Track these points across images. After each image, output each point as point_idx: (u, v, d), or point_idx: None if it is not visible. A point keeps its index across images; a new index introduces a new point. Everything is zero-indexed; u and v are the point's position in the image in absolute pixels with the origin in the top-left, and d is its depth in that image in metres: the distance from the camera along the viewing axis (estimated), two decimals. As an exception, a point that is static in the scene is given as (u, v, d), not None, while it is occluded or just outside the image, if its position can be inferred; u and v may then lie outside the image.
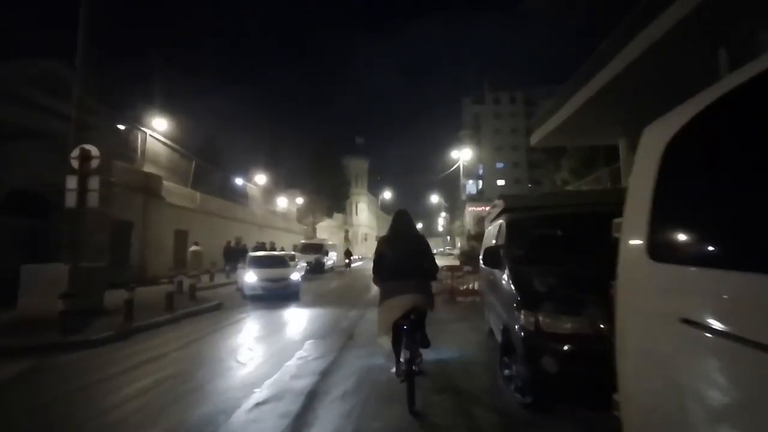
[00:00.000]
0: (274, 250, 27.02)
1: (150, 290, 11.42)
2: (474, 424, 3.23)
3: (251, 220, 27.92)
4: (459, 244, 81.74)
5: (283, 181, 40.92)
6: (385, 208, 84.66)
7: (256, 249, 22.69)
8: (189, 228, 19.53)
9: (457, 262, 27.15)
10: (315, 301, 11.17)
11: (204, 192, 22.17)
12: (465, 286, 10.92)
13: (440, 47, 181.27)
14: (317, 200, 42.24)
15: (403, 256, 3.68)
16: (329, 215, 47.76)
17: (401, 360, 3.59)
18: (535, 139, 21.70)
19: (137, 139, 16.98)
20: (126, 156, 15.83)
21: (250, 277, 11.01)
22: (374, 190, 68.18)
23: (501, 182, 71.39)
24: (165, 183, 17.48)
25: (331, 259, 27.76)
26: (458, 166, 43.52)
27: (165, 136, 19.59)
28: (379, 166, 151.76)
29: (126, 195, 14.45)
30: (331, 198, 43.40)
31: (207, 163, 25.00)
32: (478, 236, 20.37)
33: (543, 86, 72.33)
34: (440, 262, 22.46)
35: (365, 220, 64.92)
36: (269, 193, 34.68)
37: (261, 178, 30.64)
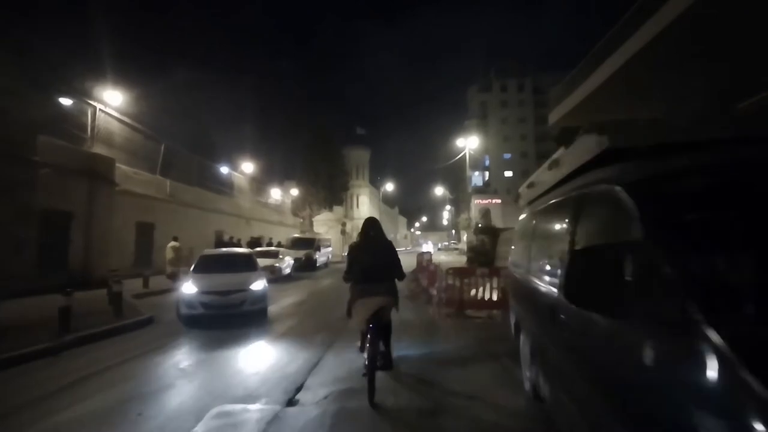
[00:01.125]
0: (271, 245, 24.67)
1: (85, 296, 8.68)
2: None
3: (237, 213, 25.38)
4: (465, 238, 79.34)
5: (277, 172, 38.39)
6: (387, 201, 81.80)
7: (251, 245, 20.43)
8: (156, 220, 16.98)
9: (463, 258, 24.52)
10: (276, 317, 8.40)
11: (179, 180, 19.61)
12: (478, 293, 8.22)
13: (445, 34, 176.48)
14: (314, 192, 39.58)
15: (373, 261, 3.94)
16: (329, 208, 44.95)
17: (364, 356, 3.85)
18: (555, 116, 18.84)
19: (87, 115, 14.35)
20: (68, 134, 13.22)
21: (187, 288, 7.55)
22: (376, 182, 65.32)
23: (508, 173, 68.38)
24: (121, 167, 14.89)
25: (325, 254, 25.20)
26: (464, 155, 40.86)
27: (128, 116, 16.97)
28: (382, 157, 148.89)
29: (62, 179, 11.87)
30: (329, 189, 40.70)
31: (185, 148, 22.43)
32: (488, 230, 17.65)
33: (553, 73, 68.79)
34: (445, 258, 19.96)
35: (367, 213, 62.17)
36: (260, 183, 32.08)
37: (249, 167, 27.96)
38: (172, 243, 14.22)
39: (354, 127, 63.03)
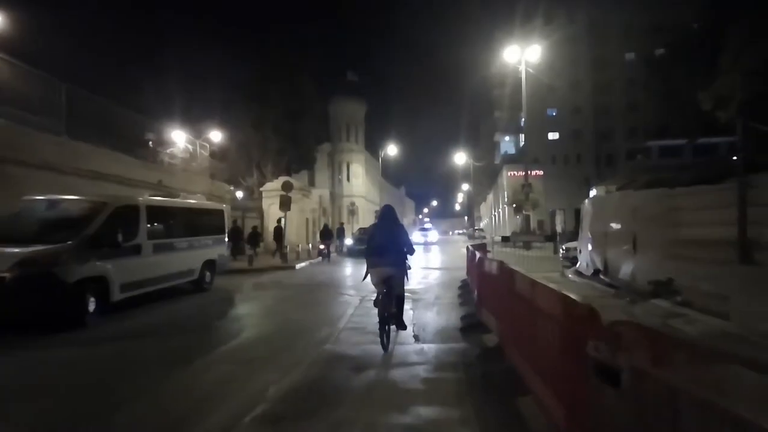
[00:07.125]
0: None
1: None
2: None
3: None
4: (485, 222, 61.39)
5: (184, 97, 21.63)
6: (391, 178, 64.58)
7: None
8: None
9: (529, 256, 9.15)
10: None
11: None
12: None
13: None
14: (261, 141, 22.96)
15: (385, 240, 5.18)
16: (306, 170, 28.04)
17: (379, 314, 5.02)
18: None
19: None
20: None
21: None
22: (375, 150, 47.46)
23: (554, 135, 50.69)
24: None
25: (169, 261, 8.31)
26: (518, 79, 23.50)
27: None
28: (383, 125, 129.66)
29: None
30: (290, 140, 24.07)
31: None
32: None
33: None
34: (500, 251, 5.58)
35: (361, 187, 44.98)
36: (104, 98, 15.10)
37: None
38: None
39: (343, 71, 45.64)
